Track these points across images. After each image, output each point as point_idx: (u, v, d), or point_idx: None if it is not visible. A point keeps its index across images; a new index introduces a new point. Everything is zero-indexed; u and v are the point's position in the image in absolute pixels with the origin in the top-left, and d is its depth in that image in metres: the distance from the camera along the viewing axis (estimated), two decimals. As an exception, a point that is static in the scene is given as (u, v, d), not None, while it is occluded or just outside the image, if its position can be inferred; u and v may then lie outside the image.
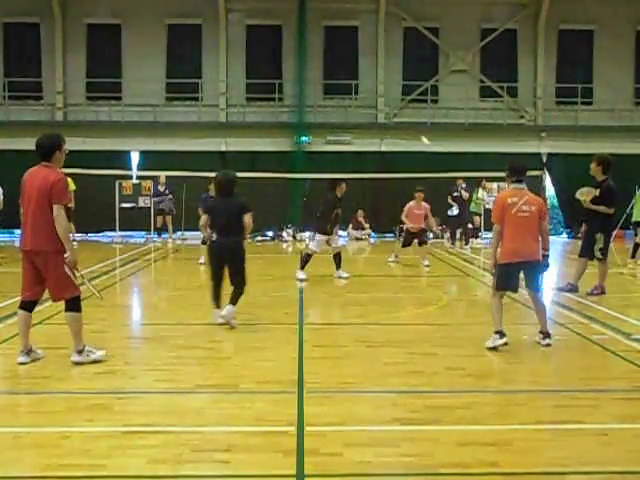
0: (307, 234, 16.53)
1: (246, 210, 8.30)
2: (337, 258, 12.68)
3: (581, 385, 6.08)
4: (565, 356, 7.25)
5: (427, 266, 14.51)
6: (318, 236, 12.68)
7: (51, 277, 6.29)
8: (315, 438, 4.65)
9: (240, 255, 8.29)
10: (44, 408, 5.32)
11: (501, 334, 7.17)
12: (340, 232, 12.76)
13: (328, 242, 12.61)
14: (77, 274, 6.58)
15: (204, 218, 8.38)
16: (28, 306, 6.54)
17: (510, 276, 7.29)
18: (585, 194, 10.96)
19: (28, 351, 6.52)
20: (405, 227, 15.25)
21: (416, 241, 14.98)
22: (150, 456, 4.33)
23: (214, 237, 8.23)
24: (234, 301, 8.26)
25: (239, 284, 8.29)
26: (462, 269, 14.89)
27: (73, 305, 6.39)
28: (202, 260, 14.73)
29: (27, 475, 4.14)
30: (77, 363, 6.40)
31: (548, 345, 7.25)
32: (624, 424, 5.06)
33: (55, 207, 6.20)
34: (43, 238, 6.26)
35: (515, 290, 7.54)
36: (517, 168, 7.51)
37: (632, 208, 15.59)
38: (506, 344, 7.10)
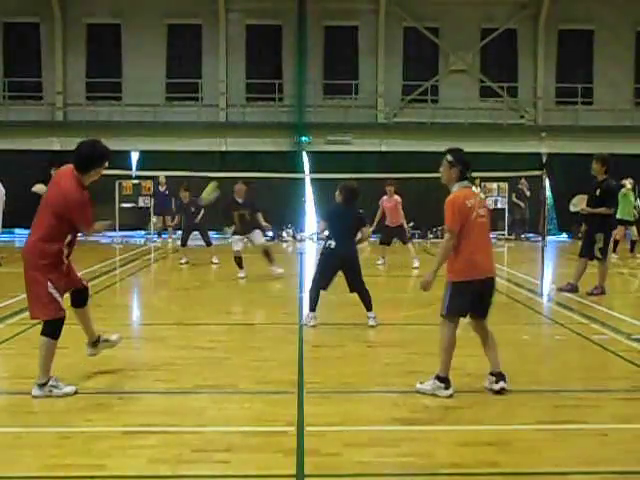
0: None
1: (365, 223, 8.74)
2: (265, 254, 12.76)
3: (581, 385, 6.09)
4: (565, 356, 7.25)
5: (416, 268, 14.34)
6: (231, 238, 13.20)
7: (31, 291, 5.60)
8: (315, 438, 4.65)
9: (358, 262, 8.42)
10: (44, 408, 5.32)
11: (447, 382, 5.76)
12: (258, 231, 12.88)
13: (251, 240, 12.91)
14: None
15: (322, 224, 8.63)
16: (77, 301, 5.98)
17: (469, 298, 5.83)
18: (578, 204, 11.02)
19: (94, 342, 6.19)
20: (384, 223, 15.06)
21: (400, 242, 14.96)
22: (150, 456, 4.33)
23: (333, 244, 8.28)
24: (370, 306, 8.37)
25: (363, 289, 8.40)
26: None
27: (49, 329, 5.58)
28: (184, 260, 14.92)
29: (27, 475, 4.13)
30: (35, 397, 5.53)
31: (503, 390, 5.72)
32: (624, 424, 5.06)
33: (85, 231, 5.81)
34: (37, 248, 5.60)
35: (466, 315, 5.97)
36: (468, 161, 6.01)
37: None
38: (451, 396, 5.71)
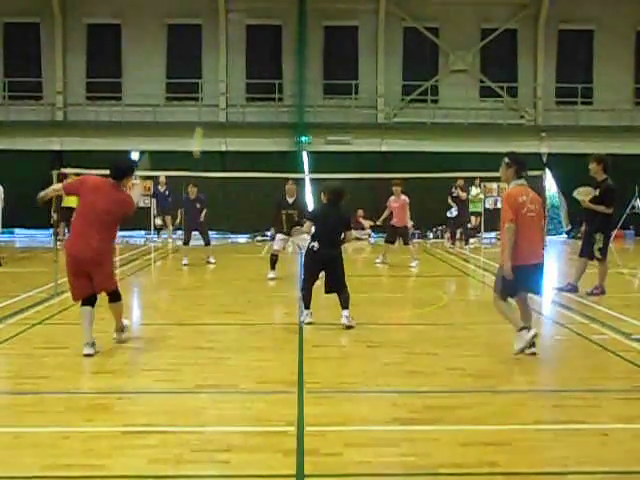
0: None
1: (350, 225, 8.69)
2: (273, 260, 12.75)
3: (581, 385, 6.08)
4: (565, 356, 7.26)
5: (412, 267, 14.51)
6: (278, 235, 13.01)
7: (102, 274, 6.92)
8: (315, 438, 4.65)
9: (341, 265, 8.41)
10: (44, 408, 5.32)
11: (526, 328, 6.83)
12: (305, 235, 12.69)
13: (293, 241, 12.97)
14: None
15: (309, 225, 8.55)
16: (90, 301, 6.96)
17: (519, 280, 6.77)
18: (583, 194, 11.01)
19: (93, 343, 6.91)
20: (390, 223, 15.24)
21: (401, 241, 15.06)
22: (150, 456, 4.33)
23: (316, 246, 8.26)
24: (346, 305, 8.30)
25: (343, 289, 8.36)
26: (462, 269, 14.89)
27: (117, 295, 7.16)
28: (185, 261, 14.86)
29: (27, 475, 4.13)
30: (119, 340, 7.34)
31: (535, 336, 6.84)
32: (624, 424, 5.05)
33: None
34: (104, 249, 6.92)
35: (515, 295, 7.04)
36: (523, 162, 6.91)
37: None
38: (535, 336, 6.82)
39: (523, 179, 6.89)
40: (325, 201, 8.63)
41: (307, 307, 8.45)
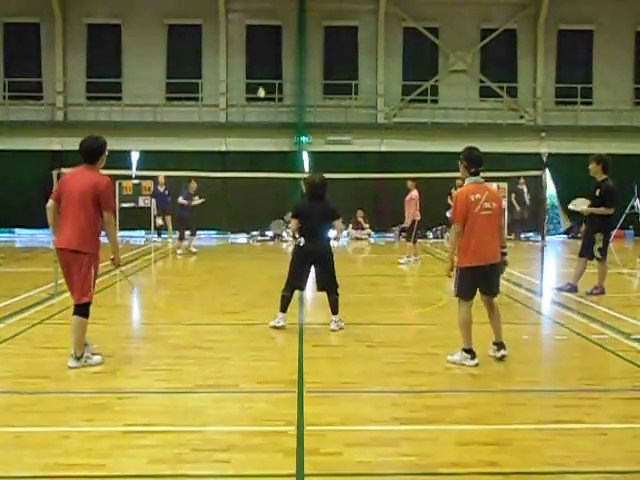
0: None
1: (337, 216, 8.25)
2: None
3: (581, 385, 6.08)
4: (565, 356, 7.25)
5: (400, 263, 14.97)
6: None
7: (79, 277, 6.29)
8: (315, 438, 4.65)
9: (331, 259, 8.17)
10: (44, 408, 5.32)
11: (472, 354, 6.50)
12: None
13: None
14: (120, 270, 7.14)
15: (295, 222, 8.15)
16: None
17: (475, 281, 6.51)
18: (579, 204, 11.12)
19: (80, 356, 6.41)
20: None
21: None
22: (150, 456, 4.34)
23: (302, 242, 8.04)
24: (335, 310, 8.14)
25: (331, 289, 8.17)
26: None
27: (84, 310, 6.36)
28: (195, 250, 17.14)
29: (27, 475, 4.13)
30: (73, 368, 6.29)
31: (503, 357, 6.61)
32: (624, 424, 5.06)
33: (105, 214, 6.29)
34: (81, 239, 6.26)
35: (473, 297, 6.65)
36: (476, 158, 6.54)
37: None
38: (477, 365, 6.48)
39: (478, 176, 6.56)
40: (308, 195, 8.32)
41: (283, 310, 8.14)
